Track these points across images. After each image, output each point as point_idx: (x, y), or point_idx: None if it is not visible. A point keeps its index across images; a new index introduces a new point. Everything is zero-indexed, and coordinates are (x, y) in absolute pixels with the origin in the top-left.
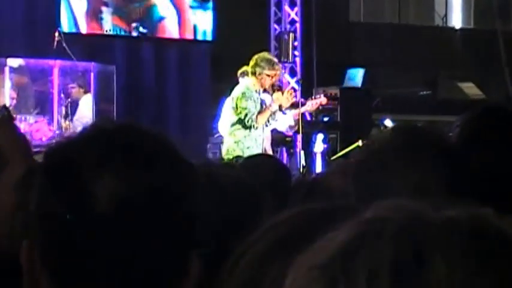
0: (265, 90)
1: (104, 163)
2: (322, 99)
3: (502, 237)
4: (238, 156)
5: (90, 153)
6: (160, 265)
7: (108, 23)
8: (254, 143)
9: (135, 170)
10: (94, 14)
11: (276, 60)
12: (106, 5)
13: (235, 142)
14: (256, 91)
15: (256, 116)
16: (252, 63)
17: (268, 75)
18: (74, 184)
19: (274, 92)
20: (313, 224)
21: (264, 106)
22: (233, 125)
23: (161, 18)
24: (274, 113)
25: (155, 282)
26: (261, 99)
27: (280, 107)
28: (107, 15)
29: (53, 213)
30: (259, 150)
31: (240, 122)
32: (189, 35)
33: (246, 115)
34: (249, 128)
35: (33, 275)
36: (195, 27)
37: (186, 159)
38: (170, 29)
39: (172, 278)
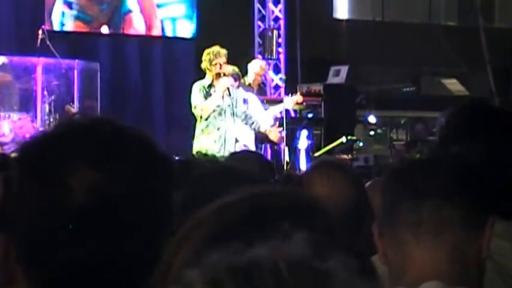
0: (249, 88)
1: (79, 156)
2: (298, 98)
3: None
4: (198, 152)
5: (66, 147)
6: (139, 256)
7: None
8: (214, 137)
9: (111, 163)
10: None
11: (219, 49)
12: (69, 6)
13: (195, 139)
14: (210, 85)
15: (203, 106)
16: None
17: (217, 64)
18: (51, 177)
19: (218, 77)
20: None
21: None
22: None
23: (128, 11)
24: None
25: (135, 274)
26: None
27: (228, 89)
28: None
29: (30, 206)
30: (218, 146)
31: (195, 117)
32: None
33: (195, 107)
34: (201, 119)
35: (9, 270)
36: (175, 23)
37: (162, 151)
38: (136, 25)
39: (151, 269)
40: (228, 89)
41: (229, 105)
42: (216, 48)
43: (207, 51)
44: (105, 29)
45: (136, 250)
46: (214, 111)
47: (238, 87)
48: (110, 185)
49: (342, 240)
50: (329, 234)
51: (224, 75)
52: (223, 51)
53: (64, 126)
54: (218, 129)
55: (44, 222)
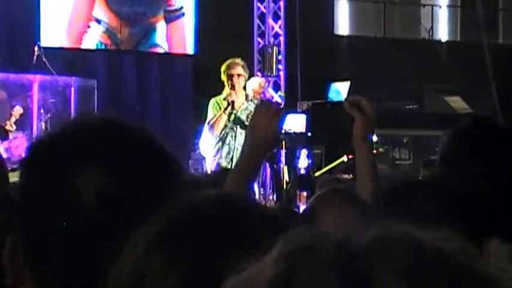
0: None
1: (86, 157)
2: None
3: (434, 251)
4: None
5: (72, 148)
6: None
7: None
8: (223, 153)
9: (118, 164)
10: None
11: (235, 60)
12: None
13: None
14: (224, 99)
15: (213, 121)
16: None
17: (230, 76)
18: (57, 180)
19: (233, 90)
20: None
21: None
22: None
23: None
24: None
25: None
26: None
27: (233, 103)
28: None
29: (37, 209)
30: (226, 163)
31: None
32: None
33: (208, 123)
34: (213, 135)
35: (17, 273)
36: (176, 40)
37: (168, 152)
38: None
39: None
40: (233, 103)
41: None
42: (231, 60)
43: (224, 64)
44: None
45: None
46: (226, 126)
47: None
48: (117, 186)
49: None
50: None
51: (233, 88)
52: (239, 63)
53: (70, 127)
54: (226, 144)
55: (52, 226)
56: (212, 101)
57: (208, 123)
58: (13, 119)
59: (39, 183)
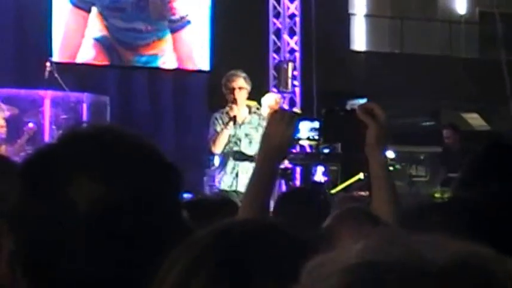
0: (263, 123)
1: (81, 167)
2: None
3: (494, 279)
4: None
5: (67, 158)
6: (143, 268)
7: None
8: (228, 169)
9: (113, 173)
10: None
11: (234, 72)
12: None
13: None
14: (226, 113)
15: (214, 138)
16: None
17: (231, 89)
18: (52, 190)
19: (235, 104)
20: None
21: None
22: None
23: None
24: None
25: (139, 285)
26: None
27: (234, 118)
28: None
29: (33, 220)
30: (230, 180)
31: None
32: (185, 65)
33: (210, 139)
34: (214, 151)
35: (15, 284)
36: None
37: (166, 160)
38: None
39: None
40: (235, 118)
41: (246, 135)
42: (232, 72)
43: (225, 76)
44: None
45: (140, 262)
46: (229, 141)
47: None
48: (111, 196)
49: None
50: None
51: (235, 101)
52: (240, 74)
53: (66, 137)
54: (231, 160)
55: (47, 236)
56: (213, 116)
57: (210, 139)
58: (26, 137)
59: (34, 193)
